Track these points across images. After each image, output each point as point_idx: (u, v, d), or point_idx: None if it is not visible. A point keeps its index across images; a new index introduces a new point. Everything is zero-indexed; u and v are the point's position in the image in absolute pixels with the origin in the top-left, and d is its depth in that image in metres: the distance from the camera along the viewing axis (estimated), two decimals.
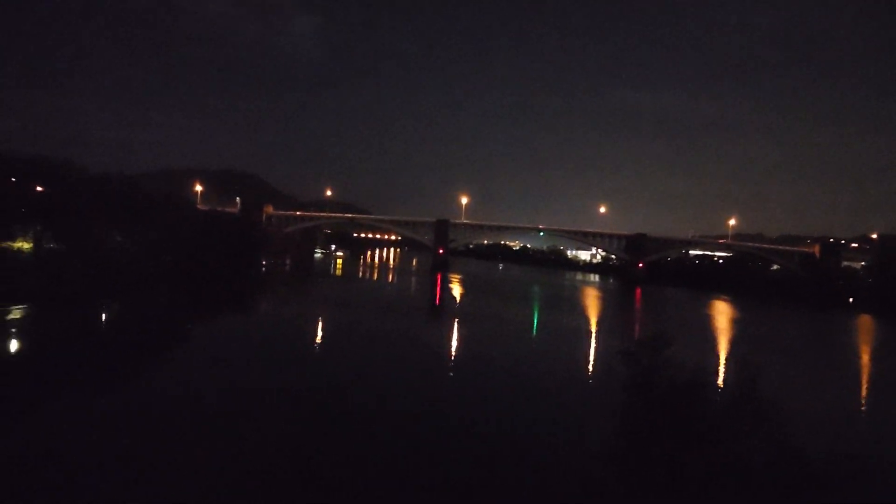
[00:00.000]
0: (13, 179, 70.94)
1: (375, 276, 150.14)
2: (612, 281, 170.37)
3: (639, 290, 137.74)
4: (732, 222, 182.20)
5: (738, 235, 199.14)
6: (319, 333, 55.76)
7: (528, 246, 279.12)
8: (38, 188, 73.72)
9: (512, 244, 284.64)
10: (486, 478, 23.46)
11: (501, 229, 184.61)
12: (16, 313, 51.33)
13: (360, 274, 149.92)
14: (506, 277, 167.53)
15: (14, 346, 43.16)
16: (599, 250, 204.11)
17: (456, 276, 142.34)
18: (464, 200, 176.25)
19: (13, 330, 46.97)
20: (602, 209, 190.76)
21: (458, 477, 23.31)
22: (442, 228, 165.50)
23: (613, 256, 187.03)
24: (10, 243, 62.12)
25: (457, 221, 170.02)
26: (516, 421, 31.11)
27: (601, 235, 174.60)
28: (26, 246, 64.27)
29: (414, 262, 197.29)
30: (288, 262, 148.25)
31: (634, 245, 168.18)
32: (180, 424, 27.41)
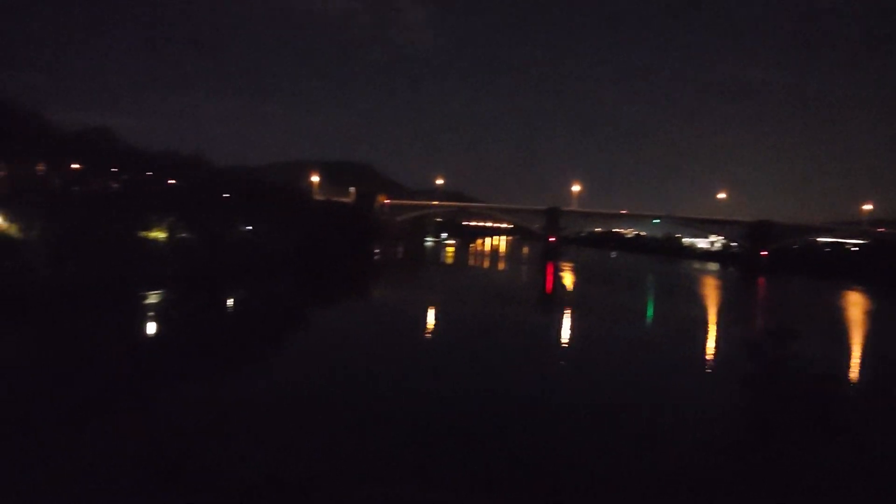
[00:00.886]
0: (149, 173, 76.17)
1: (486, 263, 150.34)
2: (732, 270, 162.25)
3: (762, 280, 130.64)
4: (868, 207, 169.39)
5: (877, 221, 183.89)
6: (431, 320, 56.55)
7: (643, 234, 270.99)
8: (171, 181, 78.79)
9: (625, 232, 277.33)
10: (606, 470, 22.97)
11: (614, 217, 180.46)
12: (152, 298, 55.37)
13: (471, 262, 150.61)
14: (619, 266, 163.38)
15: (150, 327, 46.70)
16: (718, 238, 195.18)
17: (567, 264, 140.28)
18: (575, 188, 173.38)
19: (150, 313, 50.81)
20: (721, 195, 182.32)
21: (581, 466, 22.95)
22: (553, 216, 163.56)
23: (734, 244, 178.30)
24: (147, 233, 66.81)
25: (568, 209, 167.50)
26: (634, 413, 30.23)
27: (720, 222, 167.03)
28: (161, 236, 68.92)
29: (524, 251, 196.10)
30: (400, 250, 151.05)
31: (757, 232, 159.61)
32: (298, 404, 28.55)
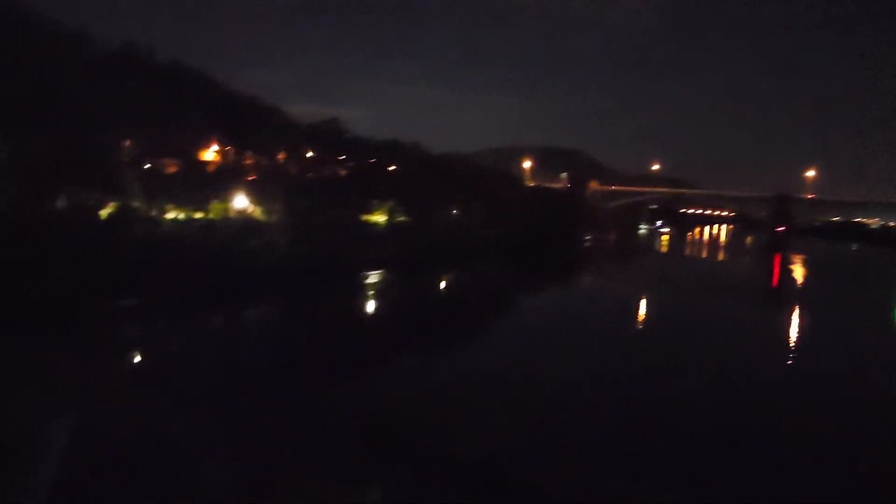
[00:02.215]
0: (372, 160, 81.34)
1: (704, 253, 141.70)
2: None
3: None
4: None
5: None
6: (643, 310, 54.49)
7: (892, 224, 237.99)
8: (391, 168, 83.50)
9: (869, 222, 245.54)
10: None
11: (856, 206, 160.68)
12: (373, 277, 59.46)
13: (687, 251, 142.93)
14: (861, 260, 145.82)
15: (372, 305, 50.56)
16: None
17: (798, 256, 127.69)
18: (809, 173, 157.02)
19: (370, 292, 54.88)
20: None
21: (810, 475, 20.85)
22: (781, 204, 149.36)
23: None
24: (368, 217, 71.54)
25: (799, 196, 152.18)
26: (862, 433, 26.67)
27: None
28: (381, 219, 73.42)
29: (747, 240, 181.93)
30: (611, 237, 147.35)
31: None
32: (510, 386, 28.95)
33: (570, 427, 24.48)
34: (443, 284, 66.18)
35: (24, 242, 35.86)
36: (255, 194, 57.86)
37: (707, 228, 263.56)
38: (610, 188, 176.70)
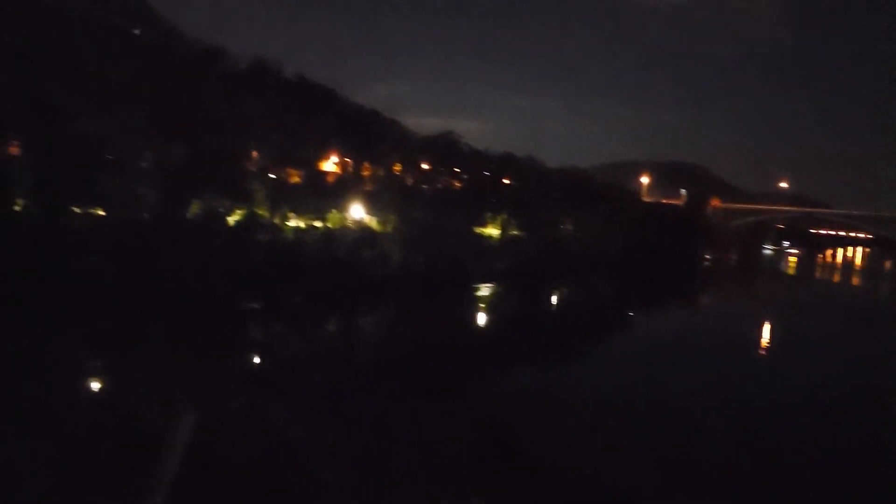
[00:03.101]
0: (486, 173, 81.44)
1: (836, 277, 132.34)
2: None
3: None
4: None
5: None
6: (765, 338, 51.23)
7: None
8: (505, 181, 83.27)
9: None
10: None
11: None
12: (485, 290, 59.29)
13: (817, 274, 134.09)
14: None
15: (483, 318, 50.46)
16: None
17: None
18: None
19: (481, 305, 54.76)
20: None
21: None
22: None
23: None
24: (482, 229, 71.56)
25: None
26: None
27: None
28: (494, 232, 73.25)
29: (886, 265, 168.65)
30: (733, 257, 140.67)
31: None
32: (617, 406, 27.82)
33: (683, 457, 23.10)
34: (556, 300, 65.16)
35: (162, 246, 38.17)
36: (372, 205, 59.16)
37: (840, 250, 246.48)
38: (732, 206, 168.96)
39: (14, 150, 38.58)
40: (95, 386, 25.86)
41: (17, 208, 36.25)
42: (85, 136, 38.65)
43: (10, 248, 32.16)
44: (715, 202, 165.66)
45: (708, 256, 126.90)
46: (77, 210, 38.95)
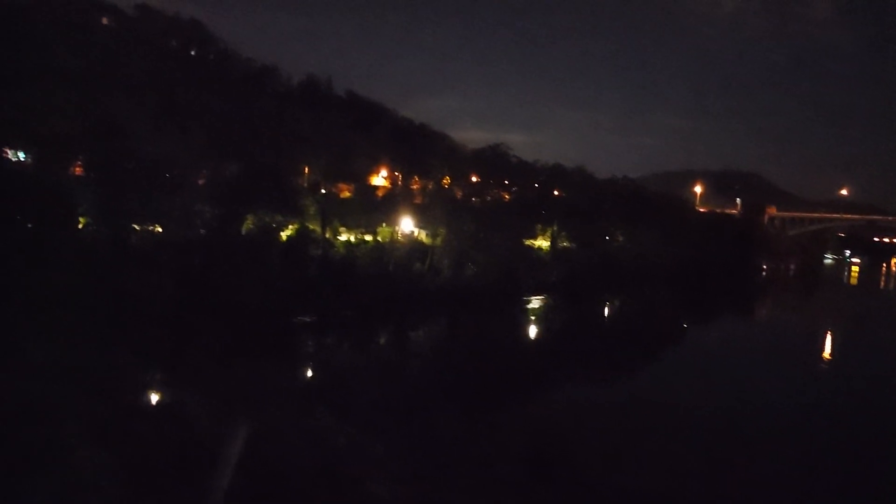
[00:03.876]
0: (536, 185, 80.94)
1: None
2: None
3: None
4: None
5: None
6: (827, 348, 49.47)
7: None
8: (555, 192, 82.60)
9: None
10: None
11: None
12: (535, 302, 58.90)
13: (881, 284, 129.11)
14: None
15: (534, 331, 50.30)
16: None
17: None
18: None
19: (533, 317, 54.52)
20: None
21: None
22: None
23: None
24: (532, 241, 71.13)
25: None
26: None
27: None
28: (544, 244, 72.72)
29: None
30: (792, 267, 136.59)
31: None
32: (679, 422, 27.27)
33: (748, 473, 22.44)
34: (608, 312, 64.31)
35: (217, 261, 39.10)
36: (421, 218, 59.44)
37: None
38: (790, 214, 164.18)
39: (78, 171, 40.12)
40: (155, 396, 26.54)
41: (80, 226, 37.63)
42: (145, 156, 39.94)
43: (74, 265, 33.32)
44: (771, 210, 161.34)
45: (765, 266, 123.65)
46: (137, 227, 40.20)
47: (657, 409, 29.18)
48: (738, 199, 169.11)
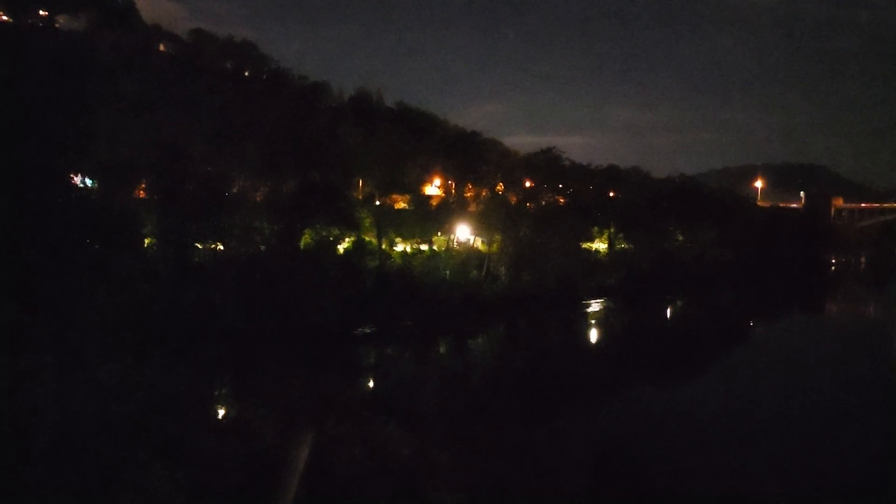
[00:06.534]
0: (591, 187, 79.82)
1: None
2: None
3: None
4: None
5: None
6: None
7: None
8: (611, 194, 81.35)
9: None
10: None
11: None
12: (595, 306, 58.02)
13: None
14: None
15: (597, 335, 49.76)
16: None
17: None
18: None
19: (592, 321, 53.71)
20: None
21: None
22: None
23: None
24: (589, 244, 70.21)
25: None
26: None
27: None
28: (602, 247, 71.71)
29: None
30: (862, 260, 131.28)
31: None
32: (755, 425, 26.42)
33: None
34: (670, 313, 62.83)
35: (277, 276, 39.77)
36: (476, 225, 59.26)
37: None
38: (859, 206, 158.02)
39: (142, 194, 41.43)
40: (221, 409, 27.00)
41: (145, 246, 38.78)
42: (205, 176, 41.00)
43: (140, 284, 34.31)
44: (838, 202, 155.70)
45: (833, 260, 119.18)
46: (199, 245, 41.23)
47: (723, 412, 28.44)
48: (801, 192, 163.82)
